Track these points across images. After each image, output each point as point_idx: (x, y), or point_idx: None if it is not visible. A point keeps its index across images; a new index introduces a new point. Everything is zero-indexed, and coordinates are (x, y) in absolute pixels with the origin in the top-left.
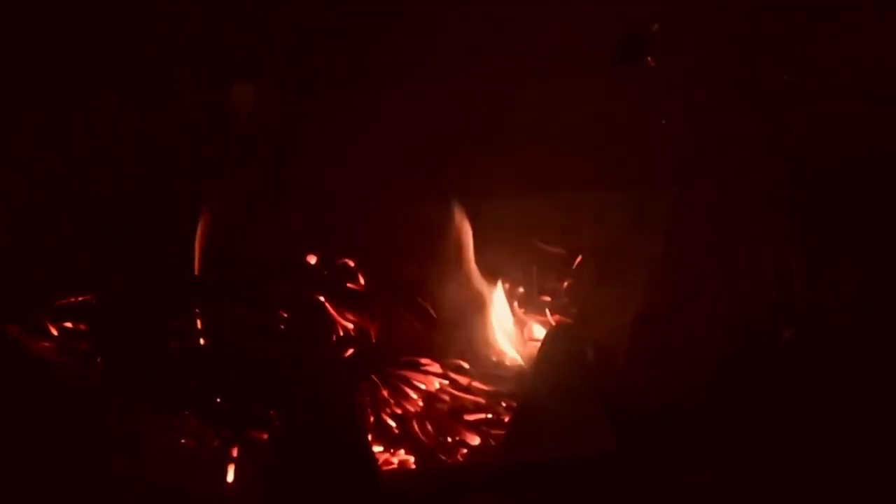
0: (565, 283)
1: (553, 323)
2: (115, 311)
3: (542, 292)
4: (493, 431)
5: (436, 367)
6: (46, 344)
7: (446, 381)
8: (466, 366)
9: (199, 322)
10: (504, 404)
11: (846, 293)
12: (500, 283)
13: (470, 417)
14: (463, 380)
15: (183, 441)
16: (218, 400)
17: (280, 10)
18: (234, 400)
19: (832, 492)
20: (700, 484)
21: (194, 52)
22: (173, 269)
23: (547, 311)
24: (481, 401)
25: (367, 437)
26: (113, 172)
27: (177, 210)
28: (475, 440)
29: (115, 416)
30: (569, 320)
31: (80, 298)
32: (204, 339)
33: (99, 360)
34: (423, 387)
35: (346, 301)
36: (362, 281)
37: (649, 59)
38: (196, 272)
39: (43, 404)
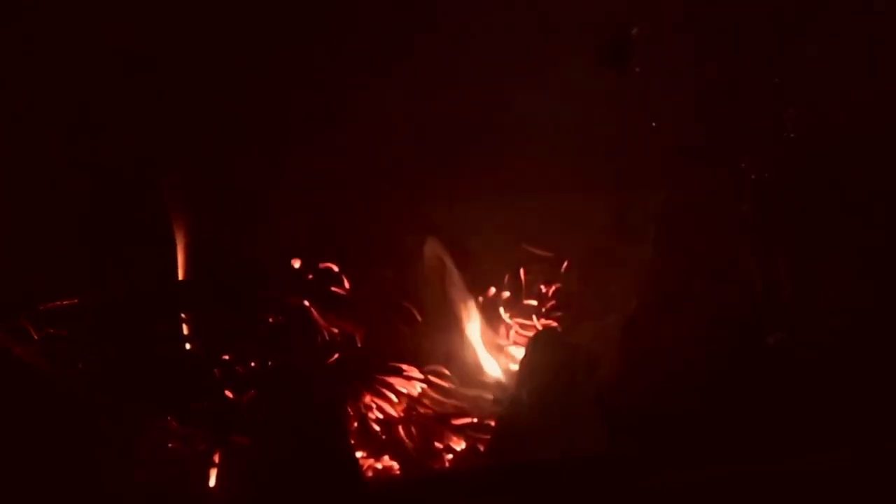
0: (553, 287)
1: (539, 327)
2: (102, 315)
3: (530, 296)
4: (479, 436)
5: (419, 373)
6: (28, 348)
7: (428, 387)
8: (447, 372)
9: (184, 326)
10: (489, 409)
11: (835, 294)
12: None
13: (456, 422)
14: (447, 384)
15: (170, 444)
16: (204, 404)
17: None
18: (220, 404)
19: (823, 490)
20: (692, 480)
21: (182, 58)
22: (159, 274)
23: (533, 315)
24: (464, 406)
25: (349, 442)
26: (99, 178)
27: (164, 214)
28: (461, 445)
29: (102, 418)
30: (555, 324)
31: (64, 302)
32: (190, 343)
33: (81, 364)
34: (405, 391)
35: (330, 306)
36: (347, 285)
37: (637, 68)
38: (181, 277)
39: (26, 407)
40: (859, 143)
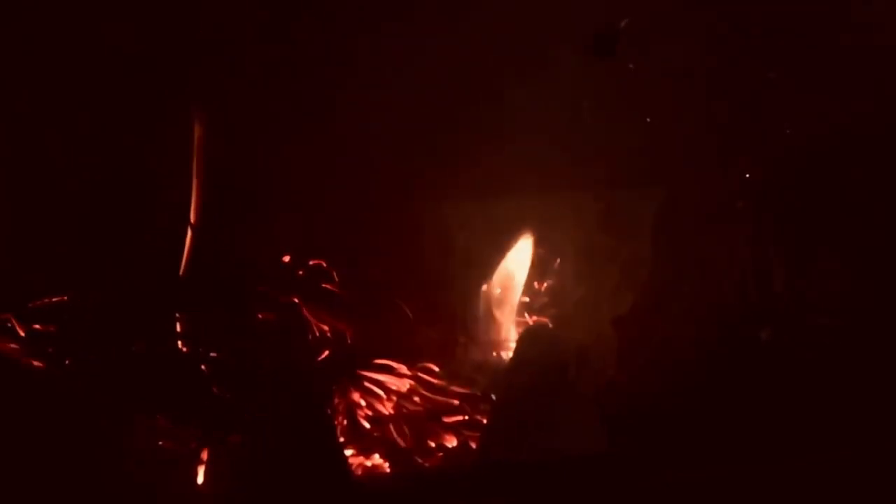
0: (544, 284)
1: (531, 323)
2: (93, 313)
3: (522, 292)
4: (471, 433)
5: (409, 370)
6: (13, 345)
7: (419, 384)
8: (437, 368)
9: (177, 324)
10: (481, 405)
11: (834, 293)
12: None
13: (447, 419)
14: (437, 381)
15: (163, 444)
16: (198, 403)
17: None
18: (211, 401)
19: (823, 490)
20: (692, 480)
21: (174, 58)
22: (152, 272)
23: (525, 312)
24: (455, 402)
25: (339, 440)
26: (99, 178)
27: (156, 213)
28: (453, 442)
29: (95, 417)
30: (546, 320)
31: (53, 299)
32: (181, 341)
33: (68, 361)
34: (395, 388)
35: (320, 302)
36: (337, 281)
37: (630, 64)
38: (174, 275)
39: (16, 405)
40: (858, 142)
